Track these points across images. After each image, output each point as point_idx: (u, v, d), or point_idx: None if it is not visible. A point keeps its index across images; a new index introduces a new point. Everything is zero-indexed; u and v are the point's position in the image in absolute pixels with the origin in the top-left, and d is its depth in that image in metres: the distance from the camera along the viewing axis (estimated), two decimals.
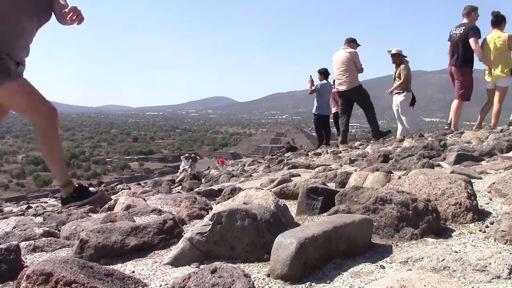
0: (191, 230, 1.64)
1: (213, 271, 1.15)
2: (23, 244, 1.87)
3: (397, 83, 8.30)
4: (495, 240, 1.48)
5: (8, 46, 2.95)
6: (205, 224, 1.56)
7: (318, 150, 7.29)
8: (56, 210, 4.32)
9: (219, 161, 15.95)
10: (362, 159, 4.49)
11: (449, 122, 7.53)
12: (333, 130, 10.93)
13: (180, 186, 5.09)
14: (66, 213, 3.26)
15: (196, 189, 3.95)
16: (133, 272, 1.44)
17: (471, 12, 6.97)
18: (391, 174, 2.67)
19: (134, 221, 2.21)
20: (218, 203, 2.67)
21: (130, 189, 6.73)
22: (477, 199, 1.81)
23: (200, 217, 2.34)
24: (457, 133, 6.21)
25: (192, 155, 15.15)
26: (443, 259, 1.28)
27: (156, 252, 1.71)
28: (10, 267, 1.47)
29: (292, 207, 2.28)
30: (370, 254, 1.46)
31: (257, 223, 1.52)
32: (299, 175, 3.89)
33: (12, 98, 3.12)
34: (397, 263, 1.37)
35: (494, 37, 6.68)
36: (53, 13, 3.19)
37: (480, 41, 6.77)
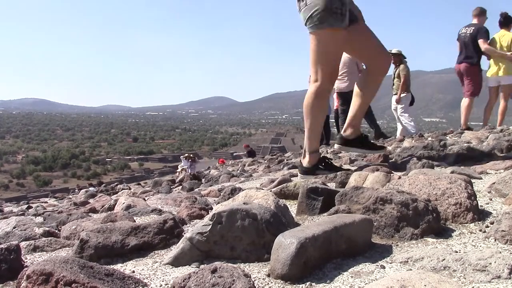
0: (191, 230, 1.64)
1: (213, 271, 1.15)
2: (23, 244, 1.87)
3: (396, 83, 8.31)
4: (495, 240, 1.48)
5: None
6: (205, 224, 1.56)
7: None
8: (56, 210, 4.33)
9: (219, 161, 16.02)
10: (362, 159, 4.49)
11: (462, 125, 7.51)
12: (334, 130, 10.91)
13: (180, 186, 5.09)
14: (66, 213, 3.26)
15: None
16: (133, 272, 1.44)
17: (481, 13, 7.09)
18: (391, 174, 2.67)
19: (134, 221, 2.21)
20: (218, 203, 2.67)
21: (130, 189, 6.74)
22: (477, 199, 1.81)
23: (200, 217, 2.34)
24: (457, 133, 6.21)
25: (191, 155, 15.17)
26: (443, 259, 1.28)
27: (156, 252, 1.71)
28: (10, 267, 1.47)
29: (292, 207, 2.28)
30: (370, 254, 1.46)
31: (257, 223, 1.52)
32: None
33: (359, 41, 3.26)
34: (397, 263, 1.37)
35: (500, 37, 6.75)
36: None
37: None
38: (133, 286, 1.25)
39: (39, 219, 3.35)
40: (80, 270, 1.18)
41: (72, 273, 1.14)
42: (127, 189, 6.85)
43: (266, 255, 1.45)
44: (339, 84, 8.46)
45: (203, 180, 5.46)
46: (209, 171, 7.57)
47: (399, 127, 8.56)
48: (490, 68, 6.91)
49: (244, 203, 1.66)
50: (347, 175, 2.91)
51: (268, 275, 1.32)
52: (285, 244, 1.29)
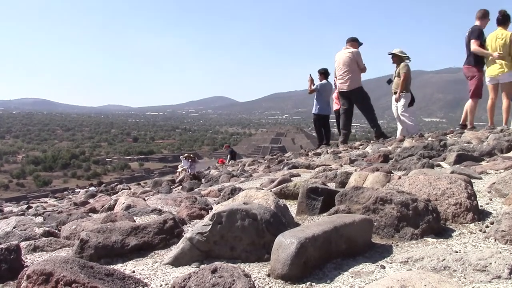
0: (191, 230, 1.64)
1: (214, 271, 1.15)
2: (23, 244, 1.87)
3: (396, 81, 8.27)
4: (495, 240, 1.48)
5: None
6: (205, 224, 1.56)
7: (318, 150, 7.29)
8: (56, 210, 4.33)
9: (219, 161, 15.96)
10: (362, 159, 4.49)
11: (461, 122, 7.52)
12: (334, 130, 10.90)
13: (180, 186, 5.09)
14: (66, 213, 3.26)
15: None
16: (134, 272, 1.44)
17: (484, 16, 7.13)
18: (391, 174, 2.67)
19: (134, 221, 2.21)
20: (218, 203, 2.67)
21: (130, 189, 6.73)
22: (477, 199, 1.81)
23: (200, 217, 2.34)
24: (457, 133, 6.21)
25: (191, 155, 15.12)
26: (444, 259, 1.28)
27: (156, 252, 1.71)
28: (11, 267, 1.47)
29: (292, 207, 2.28)
30: (370, 254, 1.47)
31: (257, 223, 1.52)
32: (299, 175, 3.89)
33: None
34: (398, 263, 1.37)
35: (497, 35, 6.76)
36: None
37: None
38: (133, 286, 1.25)
39: (39, 219, 3.35)
40: (80, 270, 1.18)
41: (72, 273, 1.14)
42: (127, 189, 6.84)
43: (266, 255, 1.45)
44: (341, 84, 8.44)
45: (203, 180, 5.46)
46: (209, 171, 7.57)
47: (399, 127, 8.54)
48: (488, 67, 6.93)
49: (244, 203, 1.66)
50: (347, 175, 2.91)
51: (268, 275, 1.32)
52: (285, 244, 1.29)
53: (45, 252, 1.86)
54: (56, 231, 2.39)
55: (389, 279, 1.13)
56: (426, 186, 1.86)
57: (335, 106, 10.13)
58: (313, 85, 9.53)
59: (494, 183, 2.18)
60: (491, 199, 2.03)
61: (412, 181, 1.94)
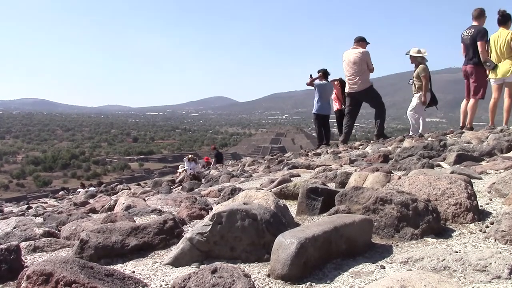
0: (191, 230, 1.64)
1: (214, 271, 1.15)
2: (23, 244, 1.87)
3: (417, 83, 8.20)
4: (495, 240, 1.48)
5: None
6: (205, 224, 1.56)
7: (318, 150, 7.29)
8: (56, 211, 4.33)
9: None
10: (362, 159, 4.49)
11: (461, 125, 7.50)
12: (334, 130, 10.87)
13: (180, 187, 5.09)
14: (66, 214, 3.26)
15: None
16: (133, 272, 1.44)
17: (480, 15, 7.12)
18: (391, 174, 2.67)
19: (134, 221, 2.21)
20: (218, 203, 2.67)
21: (130, 189, 6.73)
22: (477, 199, 1.81)
23: (200, 217, 2.34)
24: (457, 133, 6.21)
25: (194, 157, 14.95)
26: (444, 259, 1.28)
27: (156, 252, 1.71)
28: (11, 267, 1.47)
29: (292, 207, 2.28)
30: (370, 254, 1.47)
31: (257, 223, 1.52)
32: (299, 175, 3.89)
33: None
34: (397, 263, 1.37)
35: (500, 35, 6.76)
36: None
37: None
38: (133, 286, 1.25)
39: (39, 219, 3.35)
40: (80, 270, 1.18)
41: (72, 273, 1.14)
42: (127, 189, 6.84)
43: (266, 255, 1.45)
44: (351, 85, 8.34)
45: (203, 180, 5.46)
46: (209, 171, 7.56)
47: (421, 125, 8.48)
48: (496, 68, 6.92)
49: (244, 204, 1.66)
50: (347, 175, 2.91)
51: (268, 275, 1.32)
52: (285, 244, 1.29)
53: (45, 253, 1.86)
54: (56, 231, 2.39)
55: (389, 279, 1.13)
56: (426, 186, 1.86)
57: (335, 106, 10.11)
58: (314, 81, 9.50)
59: (494, 183, 2.19)
60: (491, 199, 2.03)
61: (412, 181, 1.94)
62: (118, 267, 1.52)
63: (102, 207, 3.50)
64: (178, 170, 14.20)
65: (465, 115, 7.45)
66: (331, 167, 4.12)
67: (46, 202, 7.45)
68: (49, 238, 2.04)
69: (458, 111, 7.77)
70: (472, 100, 7.30)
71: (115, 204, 3.22)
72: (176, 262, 1.51)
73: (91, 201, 5.09)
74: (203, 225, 1.57)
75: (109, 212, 3.06)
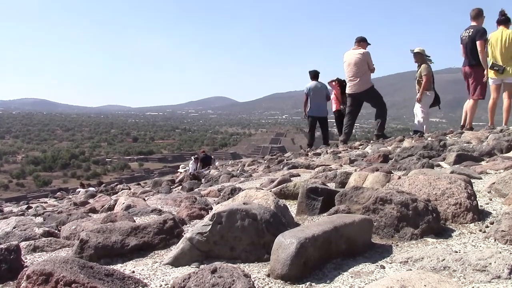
0: (191, 230, 1.64)
1: (213, 271, 1.15)
2: (23, 244, 1.87)
3: (418, 81, 8.23)
4: (495, 240, 1.48)
5: None
6: (205, 224, 1.56)
7: (318, 150, 7.28)
8: (56, 211, 4.33)
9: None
10: (362, 159, 4.49)
11: (462, 124, 7.51)
12: (334, 130, 10.84)
13: (180, 186, 5.09)
14: (66, 213, 3.26)
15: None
16: (133, 272, 1.44)
17: (478, 15, 7.13)
18: (391, 174, 2.67)
19: (134, 221, 2.21)
20: (218, 203, 2.67)
21: (130, 189, 6.73)
22: (477, 199, 1.81)
23: (200, 217, 2.34)
24: (457, 133, 6.21)
25: (195, 156, 14.90)
26: (443, 259, 1.28)
27: (156, 252, 1.71)
28: (10, 267, 1.47)
29: (292, 207, 2.28)
30: (370, 254, 1.47)
31: (257, 223, 1.52)
32: (299, 175, 3.89)
33: None
34: (397, 263, 1.37)
35: (500, 35, 6.75)
36: None
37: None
38: (133, 286, 1.25)
39: (39, 219, 3.35)
40: (80, 270, 1.18)
41: (72, 273, 1.14)
42: (127, 189, 6.84)
43: (266, 255, 1.45)
44: (351, 86, 8.34)
45: (203, 180, 5.46)
46: (209, 171, 7.56)
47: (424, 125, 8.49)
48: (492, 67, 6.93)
49: (244, 203, 1.66)
50: (347, 175, 2.91)
51: (268, 275, 1.32)
52: (285, 244, 1.29)
53: (45, 252, 1.86)
54: (56, 231, 2.39)
55: (388, 279, 1.13)
56: (426, 186, 1.86)
57: (334, 106, 10.09)
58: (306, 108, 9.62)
59: (494, 183, 2.19)
60: (491, 199, 2.03)
61: (412, 181, 1.94)
62: (118, 267, 1.52)
63: (102, 207, 3.50)
64: (178, 170, 14.17)
65: (467, 114, 7.46)
66: (331, 167, 4.12)
67: (46, 202, 7.45)
68: (49, 238, 2.04)
69: (458, 111, 7.80)
70: (471, 101, 7.30)
71: (115, 204, 3.22)
72: (176, 262, 1.51)
73: (91, 201, 5.09)
74: (203, 225, 1.57)
75: (109, 212, 3.06)
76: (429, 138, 6.08)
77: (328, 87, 9.90)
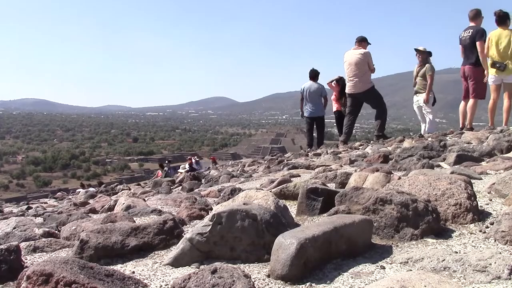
0: (191, 230, 1.64)
1: (213, 272, 1.15)
2: (23, 245, 1.87)
3: (420, 82, 8.22)
4: (495, 241, 1.48)
5: None
6: (205, 224, 1.56)
7: (318, 151, 7.28)
8: (56, 211, 4.33)
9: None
10: (362, 160, 4.49)
11: (461, 126, 7.51)
12: (334, 130, 10.81)
13: (180, 187, 5.09)
14: (66, 214, 3.26)
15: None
16: (133, 272, 1.44)
17: (476, 15, 7.15)
18: (391, 175, 2.67)
19: (134, 222, 2.21)
20: (218, 203, 2.67)
21: (130, 189, 6.73)
22: (477, 199, 1.81)
23: (200, 217, 2.34)
24: (457, 134, 6.21)
25: (197, 158, 15.04)
26: (443, 260, 1.28)
27: (156, 252, 1.71)
28: (10, 268, 1.47)
29: (292, 207, 2.28)
30: (370, 255, 1.47)
31: (257, 224, 1.52)
32: (299, 176, 3.89)
33: None
34: (397, 263, 1.37)
35: (499, 34, 6.76)
36: None
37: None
38: (133, 286, 1.25)
39: (39, 219, 3.35)
40: (80, 270, 1.18)
41: (72, 273, 1.14)
42: (127, 189, 6.84)
43: (266, 256, 1.45)
44: (351, 86, 8.32)
45: (202, 180, 5.46)
46: (209, 172, 7.56)
47: (423, 126, 8.49)
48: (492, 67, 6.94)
49: (244, 204, 1.66)
50: (347, 176, 2.91)
51: (268, 276, 1.32)
52: (285, 245, 1.29)
53: (45, 253, 1.86)
54: (56, 231, 2.39)
55: (389, 280, 1.13)
56: (426, 186, 1.86)
57: (334, 107, 10.07)
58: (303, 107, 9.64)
59: (494, 183, 2.19)
60: (491, 200, 2.03)
61: (412, 182, 1.94)
62: (118, 267, 1.52)
63: (102, 207, 3.50)
64: (179, 171, 14.18)
65: (464, 116, 7.45)
66: (331, 168, 4.12)
67: (46, 202, 7.44)
68: (49, 239, 2.04)
69: (458, 111, 7.77)
70: (471, 101, 7.31)
71: (115, 204, 3.22)
72: (176, 263, 1.51)
73: (91, 201, 5.09)
74: (203, 226, 1.57)
75: (109, 212, 3.06)
76: (429, 139, 6.08)
77: (327, 87, 9.87)
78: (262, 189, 2.45)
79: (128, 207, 2.83)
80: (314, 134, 9.95)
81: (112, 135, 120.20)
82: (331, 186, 2.77)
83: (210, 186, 4.43)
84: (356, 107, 8.60)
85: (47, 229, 2.34)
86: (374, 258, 1.44)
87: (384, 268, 1.34)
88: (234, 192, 2.81)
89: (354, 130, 9.75)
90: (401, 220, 1.62)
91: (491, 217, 1.74)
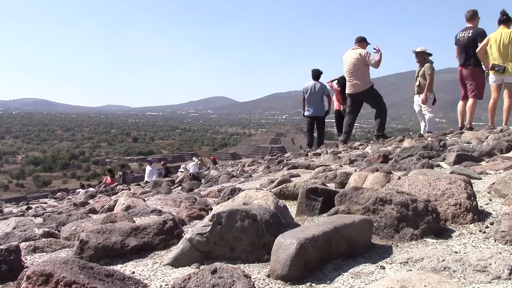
0: (191, 230, 1.64)
1: (213, 272, 1.15)
2: (23, 245, 1.87)
3: (419, 82, 8.21)
4: (495, 241, 1.48)
5: None
6: (205, 224, 1.56)
7: (318, 151, 7.28)
8: (56, 211, 4.33)
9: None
10: (362, 160, 4.49)
11: (460, 126, 7.51)
12: (334, 130, 10.82)
13: (180, 187, 5.09)
14: (66, 214, 3.26)
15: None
16: (133, 272, 1.44)
17: (474, 16, 7.17)
18: (391, 175, 2.67)
19: (134, 222, 2.21)
20: (218, 203, 2.67)
21: (130, 189, 6.73)
22: (477, 199, 1.81)
23: (200, 217, 2.34)
24: (457, 133, 6.21)
25: (201, 159, 14.94)
26: (443, 260, 1.28)
27: (156, 252, 1.71)
28: (10, 268, 1.47)
29: (292, 207, 2.28)
30: (370, 255, 1.47)
31: (257, 224, 1.52)
32: (299, 176, 3.89)
33: None
34: (397, 263, 1.37)
35: (501, 34, 6.77)
36: None
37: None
38: (133, 286, 1.25)
39: (39, 219, 3.35)
40: (80, 270, 1.18)
41: (72, 273, 1.14)
42: (126, 189, 6.83)
43: (266, 256, 1.45)
44: (350, 86, 8.32)
45: (202, 180, 5.45)
46: (209, 172, 7.56)
47: (423, 125, 8.49)
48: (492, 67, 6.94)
49: (243, 204, 1.66)
50: (346, 176, 2.91)
51: (268, 276, 1.32)
52: (285, 245, 1.29)
53: (45, 253, 1.86)
54: (56, 231, 2.39)
55: (389, 280, 1.13)
56: (425, 186, 1.86)
57: (335, 106, 10.08)
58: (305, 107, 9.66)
59: (493, 183, 2.19)
60: (490, 200, 2.03)
61: (412, 182, 1.94)
62: (118, 267, 1.52)
63: (102, 207, 3.50)
64: (180, 170, 14.13)
65: (463, 116, 7.46)
66: (331, 167, 4.12)
67: (45, 203, 7.44)
68: (49, 239, 2.04)
69: (457, 111, 7.76)
70: (471, 100, 7.31)
71: (115, 204, 3.22)
72: (176, 263, 1.51)
73: (90, 201, 5.09)
74: (203, 226, 1.57)
75: (108, 212, 3.06)
76: (429, 138, 6.08)
77: (328, 87, 9.89)
78: (262, 189, 2.45)
79: (128, 207, 2.83)
80: (314, 134, 9.96)
81: (112, 135, 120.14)
82: (331, 186, 2.77)
83: (210, 186, 4.43)
84: (356, 107, 8.60)
85: (47, 229, 2.34)
86: (374, 258, 1.44)
87: (384, 268, 1.34)
88: (234, 192, 2.81)
89: (354, 130, 9.76)
90: (401, 220, 1.62)
91: (491, 217, 1.74)
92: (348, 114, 8.68)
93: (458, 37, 7.37)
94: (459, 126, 7.56)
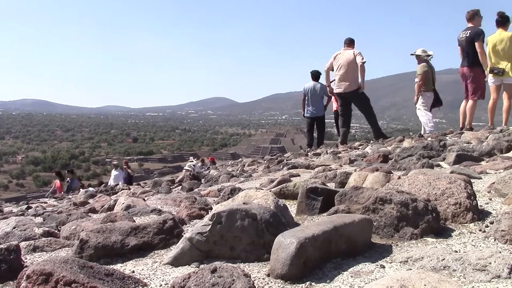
0: (191, 230, 1.64)
1: (213, 271, 1.15)
2: (23, 244, 1.87)
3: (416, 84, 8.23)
4: (495, 240, 1.48)
5: None
6: (205, 224, 1.56)
7: (318, 150, 7.28)
8: (56, 211, 4.32)
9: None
10: (362, 159, 4.49)
11: (461, 126, 7.51)
12: (334, 130, 10.83)
13: (180, 186, 5.09)
14: (66, 213, 3.26)
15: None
16: (133, 272, 1.44)
17: (474, 16, 7.19)
18: (391, 174, 2.67)
19: (134, 221, 2.21)
20: (218, 203, 2.67)
21: (130, 189, 6.72)
22: (476, 199, 1.81)
23: (200, 217, 2.34)
24: (457, 133, 6.21)
25: (202, 159, 15.05)
26: (443, 259, 1.28)
27: (156, 252, 1.71)
28: (10, 267, 1.47)
29: (292, 207, 2.28)
30: (370, 254, 1.47)
31: (257, 223, 1.52)
32: (299, 175, 3.89)
33: None
34: (397, 262, 1.37)
35: (499, 36, 6.77)
36: None
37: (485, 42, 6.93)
38: (133, 286, 1.25)
39: (39, 219, 3.35)
40: (80, 270, 1.18)
41: (72, 273, 1.14)
42: (126, 189, 6.83)
43: (266, 255, 1.45)
44: (339, 86, 8.39)
45: (202, 180, 5.45)
46: (209, 171, 7.56)
47: (423, 125, 8.51)
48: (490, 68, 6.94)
49: (243, 203, 1.66)
50: (346, 175, 2.91)
51: (268, 275, 1.32)
52: (285, 244, 1.29)
53: (44, 252, 1.86)
54: (56, 231, 2.39)
55: (388, 279, 1.13)
56: (425, 186, 1.86)
57: (334, 106, 10.10)
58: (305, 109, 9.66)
59: (493, 183, 2.19)
60: (490, 199, 2.03)
61: (412, 181, 1.94)
62: (118, 266, 1.52)
63: (102, 207, 3.50)
64: (185, 168, 14.06)
65: (465, 116, 7.46)
66: (330, 167, 4.12)
67: (45, 202, 7.44)
68: (49, 238, 2.04)
69: (458, 111, 7.77)
70: (470, 101, 7.32)
71: (115, 204, 3.22)
72: (176, 262, 1.51)
73: (90, 201, 5.09)
74: (202, 225, 1.57)
75: (108, 212, 3.06)
76: (429, 138, 6.08)
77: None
78: (261, 189, 2.45)
79: (128, 207, 2.83)
80: (314, 134, 9.98)
81: (112, 135, 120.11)
82: (331, 185, 2.77)
83: (210, 186, 4.43)
84: (346, 106, 8.70)
85: (47, 229, 2.34)
86: (374, 257, 1.44)
87: (384, 267, 1.34)
88: (234, 191, 2.81)
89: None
90: (401, 219, 1.62)
91: (490, 217, 1.75)
92: (341, 115, 8.77)
93: (459, 37, 7.40)
94: (460, 126, 7.56)
